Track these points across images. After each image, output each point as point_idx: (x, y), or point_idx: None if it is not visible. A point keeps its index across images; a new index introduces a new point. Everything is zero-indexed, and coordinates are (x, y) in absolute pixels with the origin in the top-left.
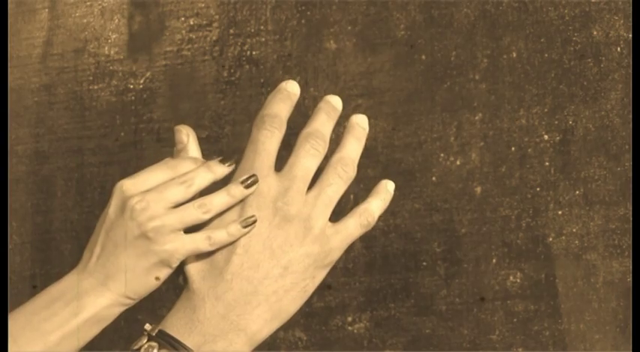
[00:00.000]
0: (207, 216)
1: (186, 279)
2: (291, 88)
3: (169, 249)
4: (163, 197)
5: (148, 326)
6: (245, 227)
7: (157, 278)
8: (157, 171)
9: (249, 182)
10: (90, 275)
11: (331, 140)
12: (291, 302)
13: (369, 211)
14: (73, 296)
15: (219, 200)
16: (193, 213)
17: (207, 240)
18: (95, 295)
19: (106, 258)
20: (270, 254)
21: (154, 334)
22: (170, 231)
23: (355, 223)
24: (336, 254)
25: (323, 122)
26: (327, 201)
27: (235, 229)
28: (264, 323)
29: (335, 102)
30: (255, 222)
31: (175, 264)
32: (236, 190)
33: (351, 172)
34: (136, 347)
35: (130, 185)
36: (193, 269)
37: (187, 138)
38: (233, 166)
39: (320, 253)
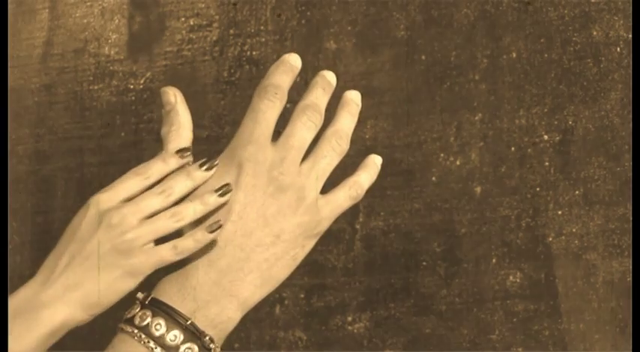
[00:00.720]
0: (179, 224)
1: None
2: (294, 61)
3: (135, 262)
4: (140, 208)
5: (139, 295)
6: (211, 232)
7: (120, 291)
8: (128, 180)
9: (222, 190)
10: (50, 286)
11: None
12: (281, 270)
13: (358, 183)
14: (29, 309)
15: (192, 209)
16: (166, 224)
17: (173, 250)
18: (53, 308)
19: (72, 271)
20: (263, 222)
21: (146, 302)
22: (142, 243)
23: (345, 195)
24: (325, 224)
25: (319, 95)
26: (320, 172)
27: (201, 235)
28: (255, 289)
29: (330, 77)
30: (220, 226)
31: (141, 278)
32: (210, 199)
33: (345, 145)
34: (129, 316)
35: (106, 198)
36: None
37: (175, 98)
38: (213, 171)
39: (310, 222)
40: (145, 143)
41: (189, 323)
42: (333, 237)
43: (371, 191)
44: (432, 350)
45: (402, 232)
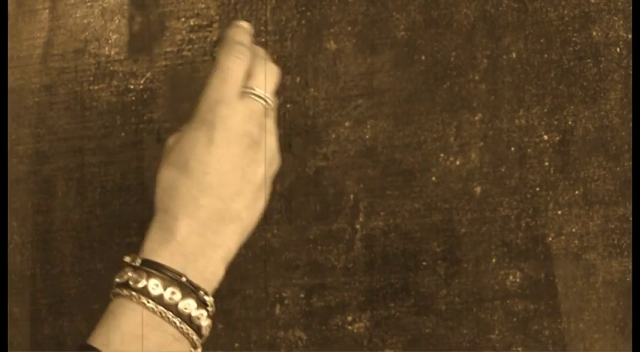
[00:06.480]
0: None
1: None
2: (247, 25)
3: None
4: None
5: (127, 258)
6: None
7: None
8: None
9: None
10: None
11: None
12: (254, 217)
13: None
14: None
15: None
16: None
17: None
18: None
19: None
20: (241, 173)
21: (138, 264)
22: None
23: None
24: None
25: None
26: (274, 122)
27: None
28: (238, 238)
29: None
30: None
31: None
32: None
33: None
34: (122, 281)
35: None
36: (160, 189)
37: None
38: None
39: (272, 168)
40: (145, 143)
41: (184, 279)
42: (333, 236)
43: (371, 191)
44: (431, 350)
45: (402, 232)
